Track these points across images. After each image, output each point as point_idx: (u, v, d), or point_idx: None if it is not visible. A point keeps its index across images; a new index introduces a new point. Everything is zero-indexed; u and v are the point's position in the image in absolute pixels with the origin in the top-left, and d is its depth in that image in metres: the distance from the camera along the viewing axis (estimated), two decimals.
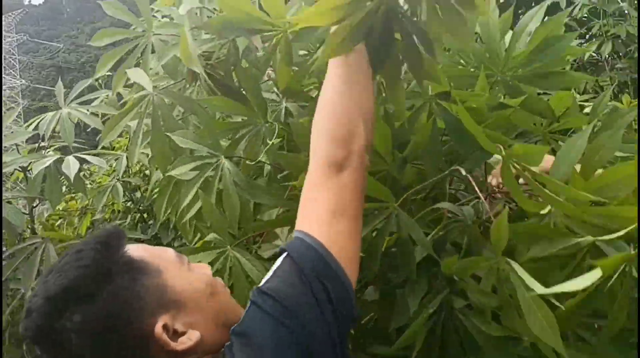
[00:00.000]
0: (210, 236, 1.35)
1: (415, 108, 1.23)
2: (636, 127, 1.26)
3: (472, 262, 0.96)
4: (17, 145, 2.23)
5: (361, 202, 0.91)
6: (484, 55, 1.26)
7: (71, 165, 1.92)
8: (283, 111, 1.43)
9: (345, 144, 0.89)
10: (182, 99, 1.43)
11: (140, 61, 1.52)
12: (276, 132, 1.31)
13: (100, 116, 2.40)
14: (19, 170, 2.23)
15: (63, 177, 1.98)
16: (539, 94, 1.32)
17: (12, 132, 2.19)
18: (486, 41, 1.28)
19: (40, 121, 2.28)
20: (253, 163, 1.35)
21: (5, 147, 2.12)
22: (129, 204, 3.00)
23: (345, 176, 0.88)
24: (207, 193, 1.27)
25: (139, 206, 2.92)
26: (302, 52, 1.40)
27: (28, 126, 2.30)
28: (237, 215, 1.24)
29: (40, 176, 1.91)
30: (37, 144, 2.30)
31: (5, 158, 2.04)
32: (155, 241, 2.83)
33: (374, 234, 1.16)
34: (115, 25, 1.67)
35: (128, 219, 2.96)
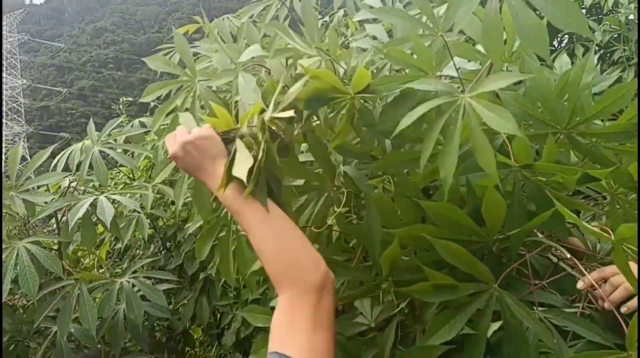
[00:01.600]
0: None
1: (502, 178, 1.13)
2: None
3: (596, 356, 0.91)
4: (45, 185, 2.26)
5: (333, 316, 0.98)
6: (538, 111, 1.20)
7: (106, 211, 1.93)
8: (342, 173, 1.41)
9: (317, 268, 0.98)
10: None
11: (185, 104, 1.53)
12: (344, 197, 1.30)
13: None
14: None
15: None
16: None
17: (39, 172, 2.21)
18: (539, 97, 1.22)
19: (69, 154, 2.31)
20: (320, 229, 1.33)
21: (35, 188, 2.13)
22: (151, 232, 3.02)
23: (324, 297, 0.96)
24: None
25: (162, 235, 2.94)
26: None
27: (56, 163, 2.33)
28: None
29: (76, 222, 1.93)
30: (67, 184, 2.31)
31: (37, 199, 2.06)
32: (180, 270, 2.84)
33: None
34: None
35: (152, 248, 2.97)
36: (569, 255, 1.11)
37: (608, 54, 3.66)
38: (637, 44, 3.51)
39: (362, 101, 1.20)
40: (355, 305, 1.23)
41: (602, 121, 1.37)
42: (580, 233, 1.36)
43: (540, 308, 1.04)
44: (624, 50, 3.59)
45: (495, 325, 1.01)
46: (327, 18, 3.20)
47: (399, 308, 1.15)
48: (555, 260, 1.17)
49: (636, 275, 0.92)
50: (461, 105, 1.00)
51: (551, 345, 0.98)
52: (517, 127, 0.93)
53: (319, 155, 1.31)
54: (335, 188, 1.34)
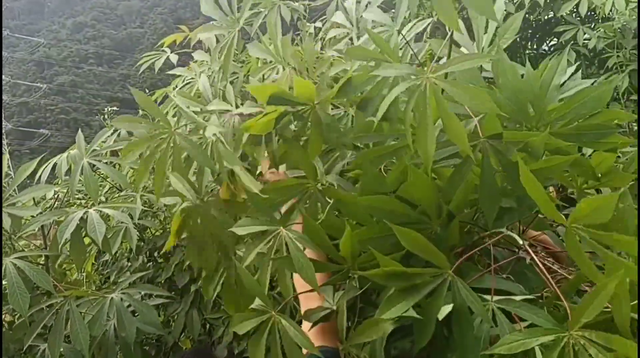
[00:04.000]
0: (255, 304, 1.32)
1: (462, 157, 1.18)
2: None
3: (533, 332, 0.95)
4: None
5: None
6: (512, 109, 1.24)
7: (97, 227, 1.88)
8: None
9: None
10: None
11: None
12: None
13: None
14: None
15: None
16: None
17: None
18: (510, 95, 1.26)
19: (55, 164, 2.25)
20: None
21: (22, 201, 2.06)
22: (139, 243, 2.95)
23: None
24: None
25: (151, 246, 2.87)
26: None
27: (43, 169, 2.27)
28: (314, 276, 1.23)
29: (66, 238, 1.87)
30: (54, 196, 2.24)
31: (23, 213, 1.99)
32: (170, 283, 2.79)
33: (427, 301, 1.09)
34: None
35: (140, 259, 2.91)
36: (521, 242, 1.12)
37: (600, 61, 3.67)
38: (631, 51, 3.53)
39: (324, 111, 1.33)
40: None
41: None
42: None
43: (496, 297, 1.08)
44: (618, 56, 3.61)
45: (447, 308, 1.06)
46: (318, 23, 3.15)
47: (360, 291, 1.25)
48: (518, 252, 1.19)
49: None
50: (426, 86, 1.05)
51: (498, 330, 1.04)
52: (493, 104, 1.00)
53: (299, 159, 1.40)
54: (319, 191, 1.43)
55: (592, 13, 3.99)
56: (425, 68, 1.08)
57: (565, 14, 3.82)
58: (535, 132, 1.15)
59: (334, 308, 1.28)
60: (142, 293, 2.39)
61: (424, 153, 1.07)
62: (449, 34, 1.34)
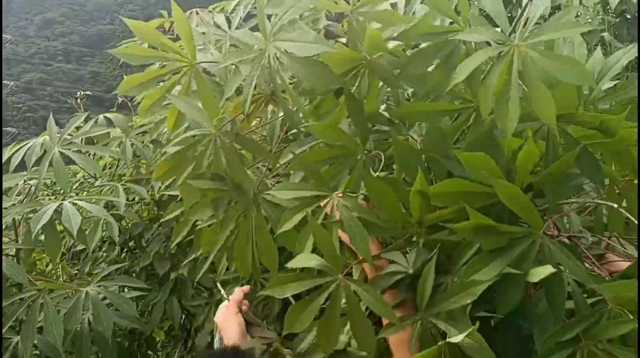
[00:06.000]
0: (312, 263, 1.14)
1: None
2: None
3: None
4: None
5: None
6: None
7: (72, 219, 1.83)
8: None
9: None
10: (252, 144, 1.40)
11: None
12: (382, 162, 1.25)
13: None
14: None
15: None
16: None
17: None
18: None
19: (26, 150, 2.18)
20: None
21: None
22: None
23: None
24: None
25: (127, 235, 2.82)
26: None
27: (9, 159, 2.19)
28: (368, 247, 1.12)
29: (39, 229, 1.82)
30: (24, 186, 2.18)
31: None
32: (149, 270, 2.73)
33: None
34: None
35: (116, 250, 2.86)
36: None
37: None
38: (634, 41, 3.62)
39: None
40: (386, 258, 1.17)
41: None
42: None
43: None
44: None
45: (546, 269, 0.96)
46: None
47: (434, 252, 1.10)
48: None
49: None
50: (515, 54, 0.97)
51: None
52: (592, 77, 0.93)
53: (356, 117, 1.28)
54: (366, 152, 1.29)
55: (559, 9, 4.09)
56: (514, 35, 1.01)
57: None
58: (607, 115, 1.06)
59: (410, 271, 1.11)
60: (119, 285, 2.35)
61: (505, 124, 0.99)
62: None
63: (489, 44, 1.07)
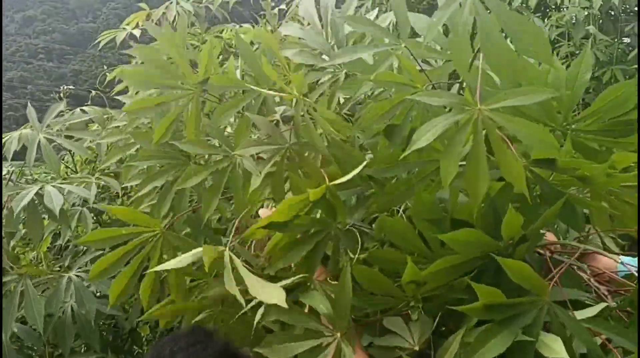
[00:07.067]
0: None
1: None
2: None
3: None
4: None
5: None
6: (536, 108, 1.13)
7: (54, 199, 1.79)
8: None
9: None
10: None
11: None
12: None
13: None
14: None
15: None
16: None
17: None
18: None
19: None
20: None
21: None
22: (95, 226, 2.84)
23: None
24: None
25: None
26: None
27: None
28: None
29: (21, 211, 1.77)
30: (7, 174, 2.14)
31: None
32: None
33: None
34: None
35: None
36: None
37: (554, 50, 3.77)
38: (582, 40, 3.66)
39: None
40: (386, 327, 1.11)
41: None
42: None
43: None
44: (569, 46, 3.76)
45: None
46: (283, 5, 3.10)
47: (434, 326, 1.07)
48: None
49: None
50: (478, 119, 0.92)
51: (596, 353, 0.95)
52: (557, 144, 0.90)
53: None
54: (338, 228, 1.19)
55: (544, 3, 4.12)
56: (474, 98, 0.95)
57: (517, 6, 3.90)
58: (587, 162, 1.06)
59: (416, 348, 1.04)
60: None
61: (475, 191, 0.96)
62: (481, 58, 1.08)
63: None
